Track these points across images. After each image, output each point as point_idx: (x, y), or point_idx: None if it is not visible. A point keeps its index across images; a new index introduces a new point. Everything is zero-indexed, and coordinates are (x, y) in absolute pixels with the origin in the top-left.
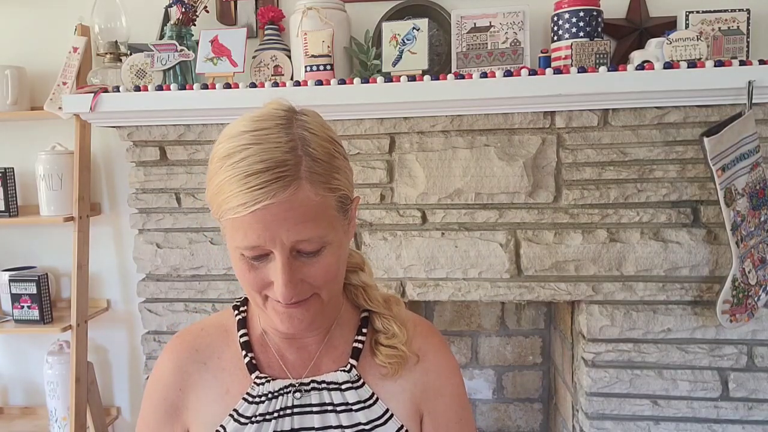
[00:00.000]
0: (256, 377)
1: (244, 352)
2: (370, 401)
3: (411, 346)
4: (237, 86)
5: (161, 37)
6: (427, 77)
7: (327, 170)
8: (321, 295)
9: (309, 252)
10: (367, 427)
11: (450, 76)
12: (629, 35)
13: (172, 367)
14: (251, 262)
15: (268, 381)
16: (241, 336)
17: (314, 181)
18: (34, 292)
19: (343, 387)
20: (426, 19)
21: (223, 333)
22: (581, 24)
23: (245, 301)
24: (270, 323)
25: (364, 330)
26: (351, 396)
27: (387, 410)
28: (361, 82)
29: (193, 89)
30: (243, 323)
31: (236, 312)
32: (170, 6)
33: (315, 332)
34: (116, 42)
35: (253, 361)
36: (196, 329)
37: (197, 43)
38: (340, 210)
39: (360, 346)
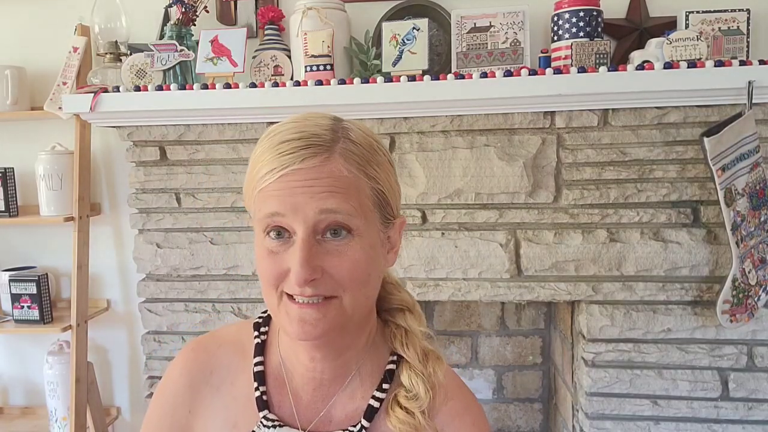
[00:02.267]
0: (264, 417)
1: (256, 384)
2: None
3: (433, 418)
4: (237, 86)
5: (161, 37)
6: (427, 77)
7: (364, 154)
8: (343, 299)
9: (333, 232)
10: None
11: (450, 76)
12: (629, 35)
13: (185, 384)
14: (271, 247)
15: (276, 427)
16: (256, 365)
17: (348, 157)
18: (34, 292)
19: None
20: (426, 19)
21: (241, 354)
22: (581, 24)
23: (267, 321)
24: (282, 329)
25: (386, 386)
26: None
27: None
28: (361, 82)
29: (193, 89)
30: (261, 349)
31: (256, 333)
32: (170, 6)
33: (333, 359)
34: (116, 42)
35: (264, 398)
36: (214, 346)
37: (197, 43)
38: (377, 207)
39: (377, 404)
